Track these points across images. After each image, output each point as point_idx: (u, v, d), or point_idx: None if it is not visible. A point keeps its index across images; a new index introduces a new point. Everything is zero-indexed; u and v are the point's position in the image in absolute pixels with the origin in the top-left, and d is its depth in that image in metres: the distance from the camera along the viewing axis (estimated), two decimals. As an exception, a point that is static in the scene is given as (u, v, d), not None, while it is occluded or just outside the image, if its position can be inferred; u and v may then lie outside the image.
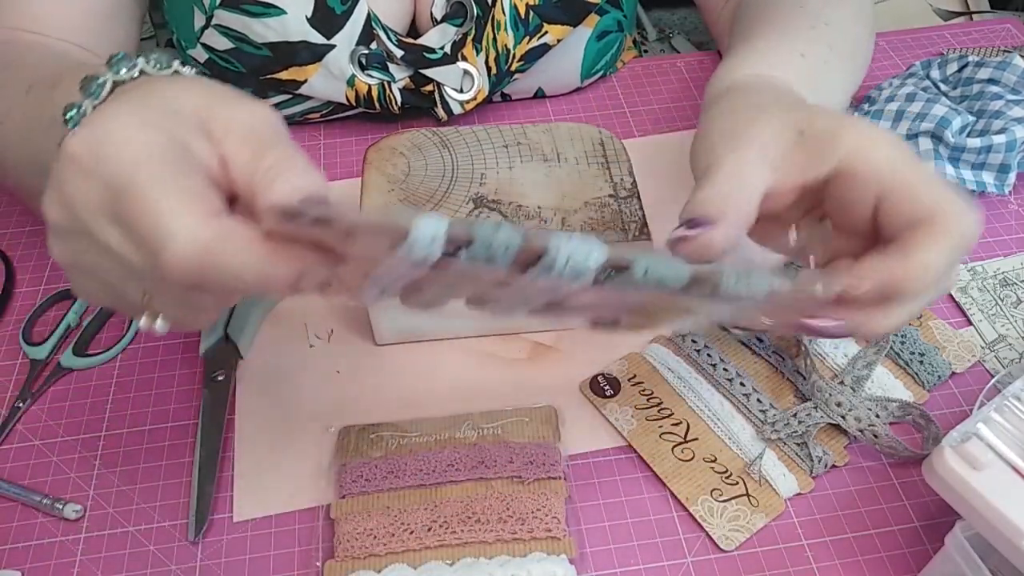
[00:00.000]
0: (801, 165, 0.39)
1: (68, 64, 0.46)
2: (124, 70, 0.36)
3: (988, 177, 0.57)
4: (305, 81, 0.62)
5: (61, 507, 0.45)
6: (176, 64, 0.38)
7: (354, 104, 0.63)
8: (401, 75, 0.63)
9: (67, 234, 0.33)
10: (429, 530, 0.43)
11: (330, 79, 0.62)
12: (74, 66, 0.43)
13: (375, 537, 0.43)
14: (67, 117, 0.35)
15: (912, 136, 0.57)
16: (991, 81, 0.61)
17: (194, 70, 0.39)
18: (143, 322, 0.34)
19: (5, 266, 0.59)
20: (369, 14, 0.60)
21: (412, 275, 0.31)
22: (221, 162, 0.33)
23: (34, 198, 0.42)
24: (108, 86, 0.36)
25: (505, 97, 0.70)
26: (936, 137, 0.56)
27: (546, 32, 0.63)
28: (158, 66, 0.37)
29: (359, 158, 0.65)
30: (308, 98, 0.64)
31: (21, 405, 0.50)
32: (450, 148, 0.55)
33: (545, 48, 0.64)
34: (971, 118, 0.58)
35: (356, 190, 0.53)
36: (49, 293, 0.57)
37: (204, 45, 0.62)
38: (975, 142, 0.55)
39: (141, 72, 0.37)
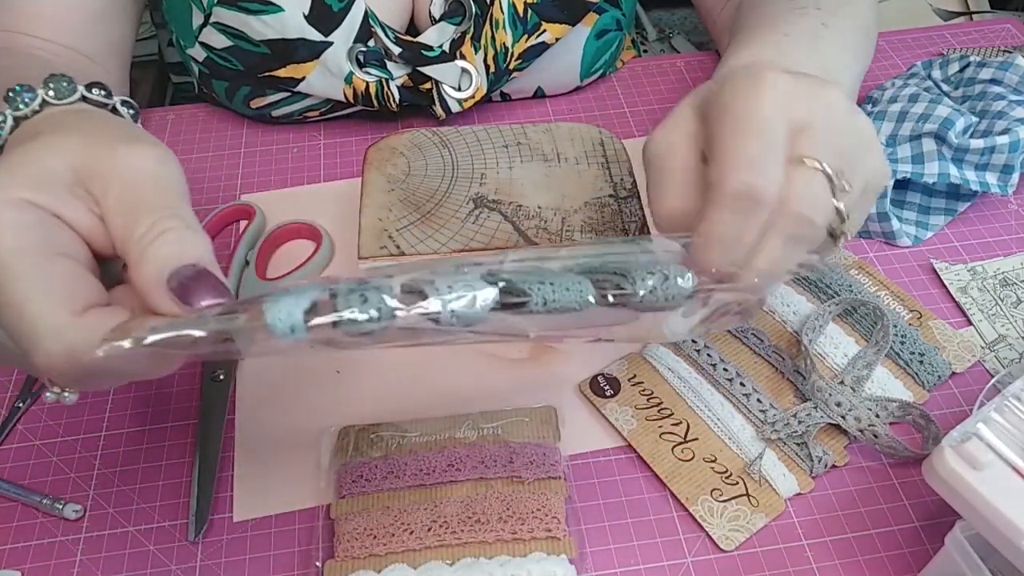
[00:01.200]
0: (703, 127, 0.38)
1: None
2: (23, 104, 0.36)
3: (991, 178, 0.57)
4: (303, 78, 0.62)
5: (61, 507, 0.45)
6: (81, 90, 0.37)
7: (352, 101, 0.63)
8: (399, 73, 0.63)
9: None
10: (429, 530, 0.43)
11: (328, 76, 0.62)
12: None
13: (375, 537, 0.43)
14: None
15: (915, 137, 0.57)
16: (993, 81, 0.61)
17: (102, 92, 0.38)
18: (49, 396, 0.32)
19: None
20: (367, 11, 0.60)
21: (291, 349, 0.30)
22: (98, 222, 0.31)
23: None
24: (9, 123, 0.35)
25: (505, 97, 0.70)
26: (939, 138, 0.56)
27: (544, 30, 0.63)
28: (59, 95, 0.37)
29: (359, 158, 0.65)
30: (306, 96, 0.64)
31: (21, 405, 0.50)
32: (450, 148, 0.55)
33: (544, 47, 0.64)
34: (974, 119, 0.58)
35: (356, 190, 0.53)
36: None
37: (202, 44, 0.62)
38: (978, 143, 0.55)
39: (44, 103, 0.36)
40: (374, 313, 0.28)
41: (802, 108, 0.36)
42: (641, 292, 0.33)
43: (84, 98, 0.38)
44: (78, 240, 0.31)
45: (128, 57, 0.64)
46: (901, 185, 0.58)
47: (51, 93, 0.37)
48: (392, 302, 0.29)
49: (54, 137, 0.32)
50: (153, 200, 0.31)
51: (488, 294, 0.30)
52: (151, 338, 0.28)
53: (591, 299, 0.32)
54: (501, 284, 0.31)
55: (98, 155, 0.31)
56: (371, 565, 0.42)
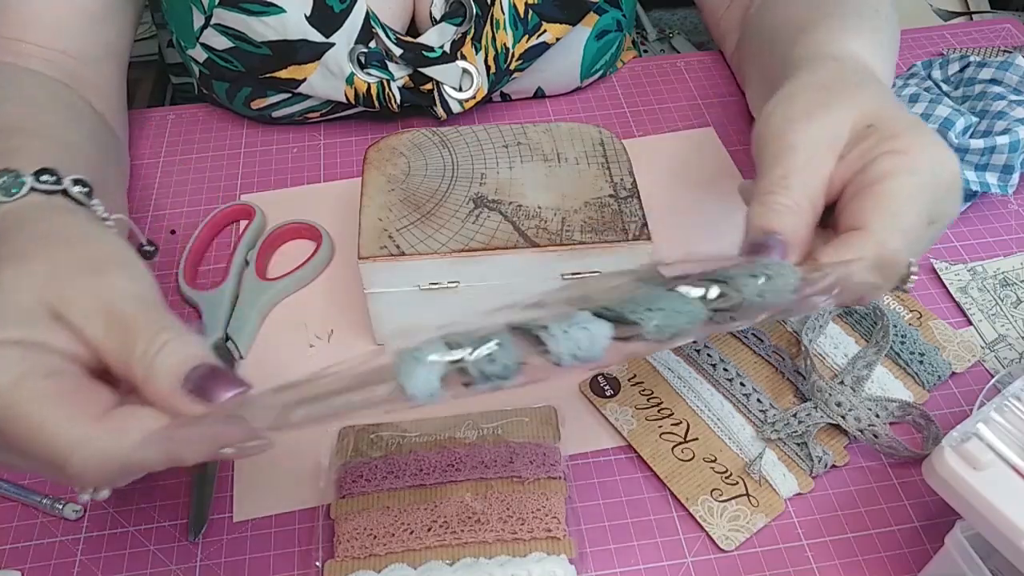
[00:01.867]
0: (855, 160, 0.39)
1: None
2: (3, 196, 0.37)
3: (991, 178, 0.57)
4: (304, 80, 0.62)
5: (61, 507, 0.45)
6: (29, 180, 0.38)
7: (353, 102, 0.63)
8: (400, 74, 0.63)
9: None
10: (429, 530, 0.43)
11: (329, 77, 0.62)
12: None
13: (375, 537, 0.43)
14: None
15: None
16: (993, 81, 0.61)
17: (51, 178, 0.39)
18: (83, 497, 0.33)
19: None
20: (368, 13, 0.60)
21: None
22: (86, 346, 0.32)
23: None
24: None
25: (505, 97, 0.70)
26: None
27: (545, 31, 0.63)
28: (6, 192, 0.37)
29: (359, 158, 0.65)
30: (307, 97, 0.64)
31: (21, 405, 0.50)
32: (450, 148, 0.55)
33: (544, 47, 0.64)
34: (974, 119, 0.58)
35: (356, 190, 0.53)
36: None
37: (203, 45, 0.62)
38: (978, 143, 0.55)
39: (32, 189, 0.37)
40: (503, 369, 0.29)
41: (940, 185, 0.38)
42: (748, 296, 0.32)
43: (33, 188, 0.38)
44: (70, 361, 0.32)
45: (126, 59, 0.64)
46: (901, 185, 0.58)
47: (41, 182, 0.38)
48: (517, 355, 0.29)
49: (19, 270, 0.33)
50: (140, 320, 0.32)
51: (604, 329, 0.30)
52: (298, 414, 0.29)
53: (703, 316, 0.32)
54: (610, 314, 0.31)
55: (72, 287, 0.32)
56: (371, 565, 0.42)
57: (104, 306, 0.32)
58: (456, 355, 0.29)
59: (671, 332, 0.31)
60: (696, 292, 0.32)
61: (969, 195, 0.58)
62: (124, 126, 0.64)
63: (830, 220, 0.40)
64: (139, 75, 1.20)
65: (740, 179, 0.63)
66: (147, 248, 0.48)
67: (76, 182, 0.40)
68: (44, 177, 0.39)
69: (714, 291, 0.32)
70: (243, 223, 0.60)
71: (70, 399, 0.30)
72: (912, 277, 0.39)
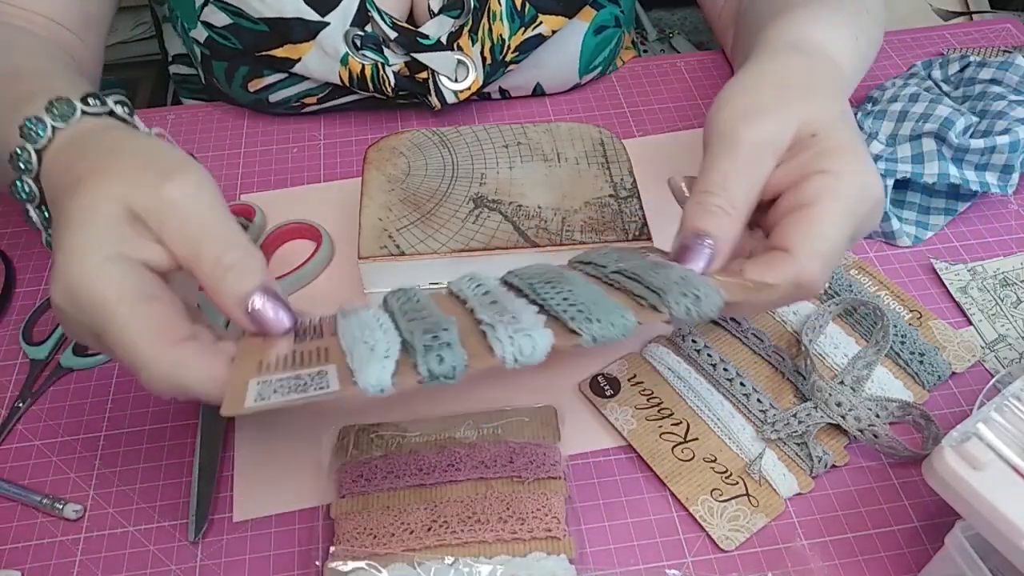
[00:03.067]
0: (792, 170, 0.40)
1: (38, 74, 0.48)
2: (39, 136, 0.39)
3: (991, 178, 0.57)
4: (299, 59, 0.63)
5: (61, 507, 0.45)
6: (79, 106, 0.40)
7: (348, 84, 0.64)
8: (396, 60, 0.63)
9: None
10: (429, 530, 0.43)
11: (324, 58, 0.62)
12: (40, 80, 0.45)
13: (375, 536, 0.43)
14: (18, 161, 0.39)
15: (915, 137, 0.57)
16: (993, 81, 0.61)
17: (97, 101, 0.41)
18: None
19: (5, 266, 0.59)
20: None
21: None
22: (164, 249, 0.36)
23: None
24: (34, 159, 0.39)
25: (504, 94, 0.70)
26: (939, 138, 0.56)
27: (541, 22, 0.63)
28: (64, 118, 0.40)
29: (359, 158, 0.65)
30: (303, 79, 0.65)
31: (21, 405, 0.50)
32: (450, 148, 0.55)
33: (540, 39, 0.64)
34: (974, 119, 0.58)
35: (356, 190, 0.53)
36: (49, 293, 0.57)
37: (204, 23, 0.63)
38: (979, 143, 0.55)
39: (55, 130, 0.39)
40: (450, 370, 0.33)
41: (864, 210, 0.39)
42: (675, 315, 0.35)
43: (84, 112, 0.40)
44: (159, 280, 0.36)
45: (104, 31, 0.66)
46: (901, 185, 0.58)
47: (58, 121, 0.40)
48: (462, 358, 0.33)
49: (96, 182, 0.36)
50: (208, 228, 0.36)
51: (545, 340, 0.33)
52: (258, 405, 0.33)
53: (634, 326, 0.34)
54: (555, 324, 0.34)
55: (144, 195, 0.36)
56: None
57: (177, 214, 0.35)
58: (404, 342, 0.34)
59: (604, 342, 0.34)
60: (632, 316, 0.35)
61: (969, 195, 0.58)
62: None
63: (761, 220, 0.41)
64: (139, 75, 1.20)
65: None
66: None
67: (118, 102, 0.42)
68: (91, 101, 0.41)
69: (645, 298, 0.36)
70: (243, 223, 0.60)
71: (155, 325, 0.34)
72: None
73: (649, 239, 0.49)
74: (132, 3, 1.09)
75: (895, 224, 0.57)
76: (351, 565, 0.41)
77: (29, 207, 0.40)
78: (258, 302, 0.36)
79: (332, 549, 0.42)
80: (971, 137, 0.56)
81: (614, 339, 0.34)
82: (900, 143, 0.58)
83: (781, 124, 0.40)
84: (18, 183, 0.39)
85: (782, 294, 0.38)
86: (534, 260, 0.48)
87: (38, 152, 0.39)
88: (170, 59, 0.80)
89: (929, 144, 0.56)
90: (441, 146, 0.55)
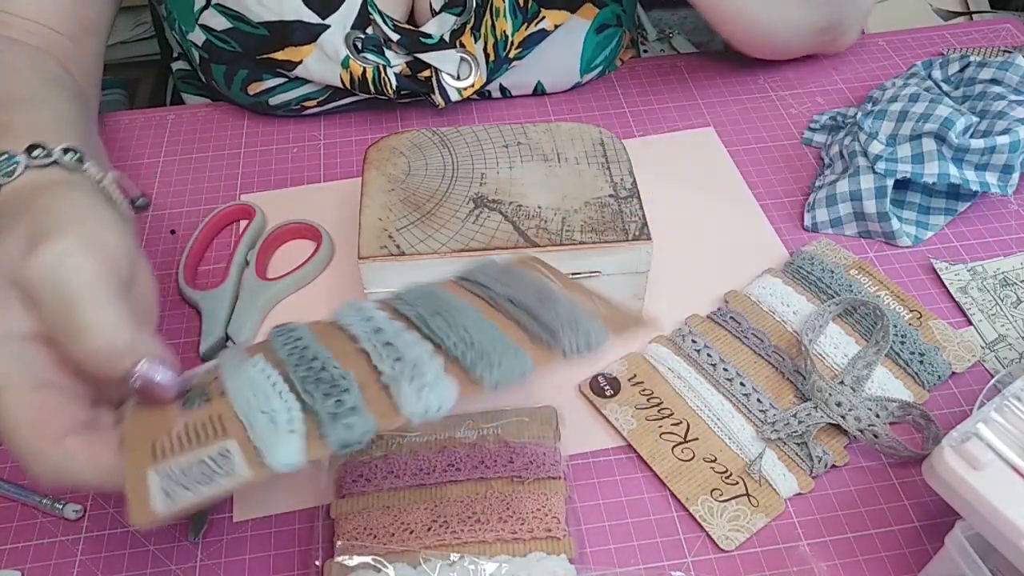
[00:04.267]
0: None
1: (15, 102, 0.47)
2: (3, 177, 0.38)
3: (991, 178, 0.57)
4: (300, 62, 0.62)
5: (61, 507, 0.45)
6: (21, 159, 0.40)
7: (349, 87, 0.64)
8: (397, 61, 0.63)
9: None
10: (429, 530, 0.43)
11: (325, 61, 0.62)
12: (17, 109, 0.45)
13: (375, 536, 0.43)
14: None
15: (916, 137, 0.57)
16: (993, 81, 0.61)
17: (41, 151, 0.40)
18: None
19: (5, 266, 0.59)
20: None
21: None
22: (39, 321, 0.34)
23: None
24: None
25: (505, 92, 0.70)
26: (940, 138, 0.56)
27: (543, 17, 0.63)
28: (37, 158, 0.39)
29: (359, 158, 0.65)
30: (304, 82, 0.65)
31: (21, 405, 0.50)
32: (450, 148, 0.55)
33: (543, 34, 0.64)
34: (974, 119, 0.58)
35: (356, 190, 0.53)
36: None
37: (202, 26, 0.63)
38: (979, 143, 0.55)
39: (26, 167, 0.39)
40: (361, 436, 0.32)
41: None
42: (567, 354, 0.35)
43: (27, 166, 0.40)
44: (53, 357, 0.34)
45: (104, 34, 0.64)
46: (901, 185, 0.59)
47: (67, 156, 0.39)
48: (372, 423, 0.32)
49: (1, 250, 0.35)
50: (76, 300, 0.33)
51: (452, 393, 0.33)
52: (168, 509, 0.31)
53: (531, 370, 0.34)
54: (450, 371, 0.34)
55: (12, 262, 0.34)
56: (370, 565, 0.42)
57: (44, 281, 0.34)
58: (308, 412, 0.32)
59: (506, 384, 0.34)
60: (529, 359, 0.34)
61: (969, 195, 0.58)
62: (97, 99, 0.64)
63: None
64: (139, 75, 1.20)
65: (740, 179, 0.63)
66: (140, 201, 0.48)
67: (66, 151, 0.41)
68: (35, 152, 0.40)
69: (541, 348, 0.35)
70: (243, 223, 0.60)
71: (41, 415, 0.33)
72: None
73: (649, 239, 0.49)
74: (132, 3, 1.09)
75: (895, 224, 0.57)
76: (357, 560, 0.41)
77: None
78: (141, 372, 0.34)
79: (338, 544, 0.42)
80: (971, 137, 0.56)
81: (512, 383, 0.33)
82: (900, 143, 0.58)
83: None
84: None
85: None
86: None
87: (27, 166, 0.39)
88: (174, 55, 0.79)
89: (929, 144, 0.56)
90: (441, 146, 0.55)
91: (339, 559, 0.41)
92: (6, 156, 0.39)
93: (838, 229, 0.59)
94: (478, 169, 0.54)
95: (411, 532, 0.43)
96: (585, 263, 0.49)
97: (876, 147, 0.58)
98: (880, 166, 0.57)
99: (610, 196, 0.51)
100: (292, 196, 0.63)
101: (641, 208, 0.51)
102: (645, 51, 1.20)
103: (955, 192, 0.58)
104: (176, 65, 0.79)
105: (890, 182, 0.56)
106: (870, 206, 0.57)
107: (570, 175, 0.53)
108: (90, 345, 0.33)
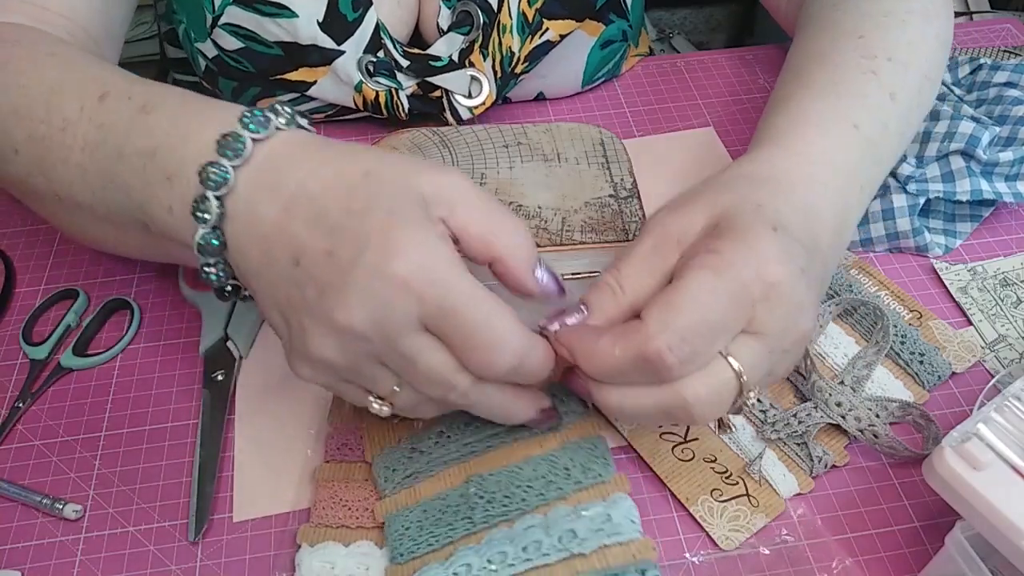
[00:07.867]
0: (687, 254, 0.39)
1: (151, 88, 0.46)
2: (237, 155, 0.37)
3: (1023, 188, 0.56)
4: (315, 82, 0.62)
5: (61, 507, 0.45)
6: (275, 120, 0.39)
7: (361, 108, 0.63)
8: (408, 83, 0.63)
9: (358, 340, 0.36)
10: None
11: (339, 83, 0.62)
12: (163, 92, 0.44)
13: (348, 508, 0.42)
14: (210, 180, 0.37)
15: (943, 156, 0.56)
16: (1009, 84, 0.60)
17: (306, 119, 0.40)
18: (376, 406, 0.39)
19: (5, 266, 0.59)
20: (378, 23, 0.60)
21: None
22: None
23: (52, 203, 0.44)
24: (249, 146, 0.37)
25: (506, 99, 0.70)
26: (967, 155, 0.55)
27: (547, 28, 0.63)
28: (287, 121, 0.39)
29: (359, 158, 0.65)
30: (314, 98, 0.64)
31: (21, 405, 0.50)
32: (450, 148, 0.55)
33: (549, 46, 0.64)
34: (996, 129, 0.57)
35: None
36: (49, 293, 0.57)
37: (214, 42, 0.62)
38: (1007, 155, 0.55)
39: (276, 128, 0.38)
40: None
41: (750, 291, 0.37)
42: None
43: (278, 128, 0.39)
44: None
45: (119, 46, 0.63)
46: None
47: (259, 131, 0.38)
48: None
49: (382, 176, 0.37)
50: (492, 204, 0.38)
51: None
52: None
53: None
54: None
55: (432, 182, 0.37)
56: (340, 537, 0.42)
57: (466, 194, 0.37)
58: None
59: None
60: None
61: (988, 204, 0.58)
62: None
63: None
64: (139, 75, 1.20)
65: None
66: None
67: (303, 115, 0.41)
68: (297, 117, 0.40)
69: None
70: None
71: (500, 304, 0.36)
72: (748, 403, 0.38)
73: None
74: (132, 3, 1.09)
75: (927, 237, 0.56)
76: (318, 547, 0.42)
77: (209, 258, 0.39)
78: (540, 272, 0.38)
79: (300, 528, 0.42)
80: (996, 147, 0.56)
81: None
82: (928, 164, 0.56)
83: (688, 215, 0.40)
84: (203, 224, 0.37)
85: (633, 370, 0.36)
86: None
87: (254, 141, 0.38)
88: (169, 58, 0.79)
89: (958, 162, 0.55)
90: (441, 146, 0.55)
91: (301, 544, 0.42)
92: (267, 109, 0.39)
93: (868, 248, 0.57)
94: (478, 169, 0.54)
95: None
96: (585, 263, 0.49)
97: (906, 168, 0.56)
98: (911, 187, 0.56)
99: (610, 196, 0.51)
100: (292, 196, 0.63)
101: (641, 208, 0.51)
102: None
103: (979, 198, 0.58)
104: (176, 73, 0.79)
105: (921, 200, 0.55)
106: (903, 223, 0.56)
107: (570, 175, 0.53)
108: (518, 239, 0.38)
